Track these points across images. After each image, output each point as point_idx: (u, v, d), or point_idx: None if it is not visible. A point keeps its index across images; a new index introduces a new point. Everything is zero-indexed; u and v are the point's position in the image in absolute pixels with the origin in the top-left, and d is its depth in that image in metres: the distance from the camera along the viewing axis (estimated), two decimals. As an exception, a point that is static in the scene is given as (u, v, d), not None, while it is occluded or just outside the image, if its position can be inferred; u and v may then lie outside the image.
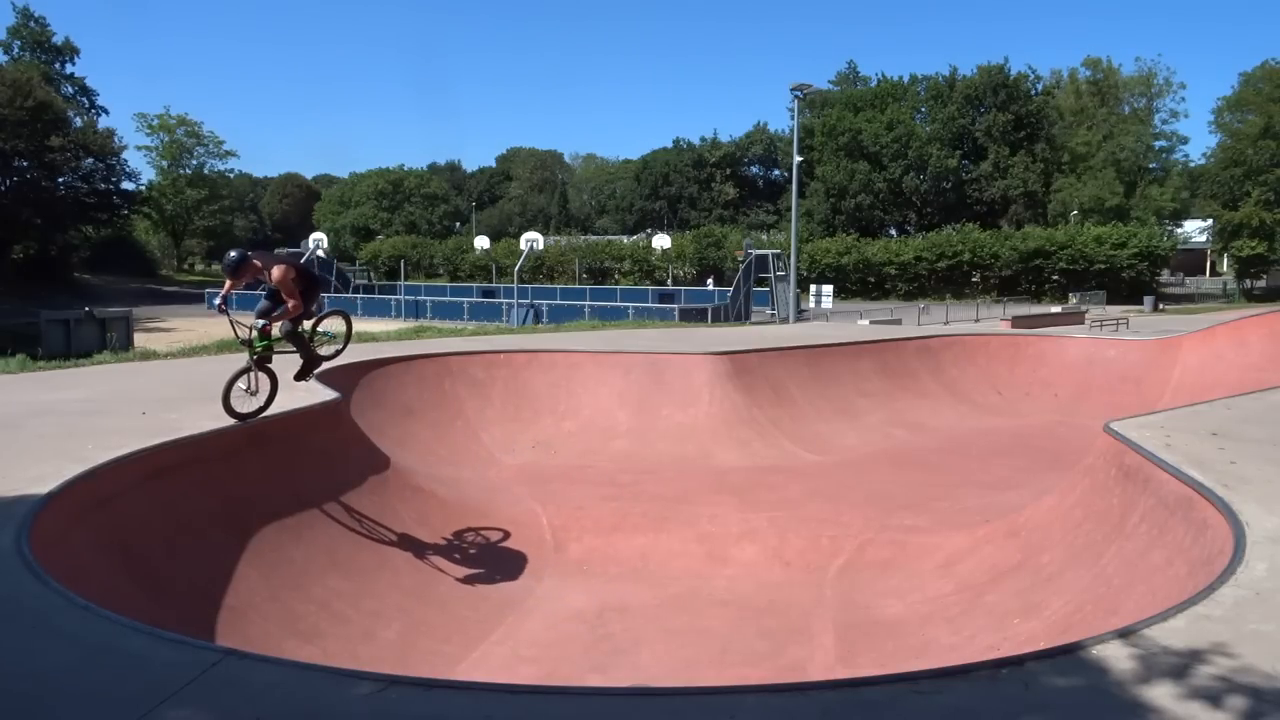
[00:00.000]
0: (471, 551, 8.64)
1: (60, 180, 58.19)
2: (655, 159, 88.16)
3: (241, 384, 7.38)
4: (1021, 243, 54.32)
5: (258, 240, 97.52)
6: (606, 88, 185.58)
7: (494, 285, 58.68)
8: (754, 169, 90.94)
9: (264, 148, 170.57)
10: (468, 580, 8.11)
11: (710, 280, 39.55)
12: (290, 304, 7.22)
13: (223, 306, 7.28)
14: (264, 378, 7.56)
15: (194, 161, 78.32)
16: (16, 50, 65.58)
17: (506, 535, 9.13)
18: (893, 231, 68.03)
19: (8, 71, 55.52)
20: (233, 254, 7.13)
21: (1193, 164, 62.63)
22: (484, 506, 9.82)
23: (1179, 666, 3.33)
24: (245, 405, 7.43)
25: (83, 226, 62.05)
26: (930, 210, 66.07)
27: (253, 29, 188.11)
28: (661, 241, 55.17)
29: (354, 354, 13.86)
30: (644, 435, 12.86)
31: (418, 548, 8.27)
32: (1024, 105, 63.07)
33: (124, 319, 26.19)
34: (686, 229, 73.29)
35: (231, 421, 7.59)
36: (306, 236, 58.72)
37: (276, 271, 7.13)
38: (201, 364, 13.40)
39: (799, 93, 34.97)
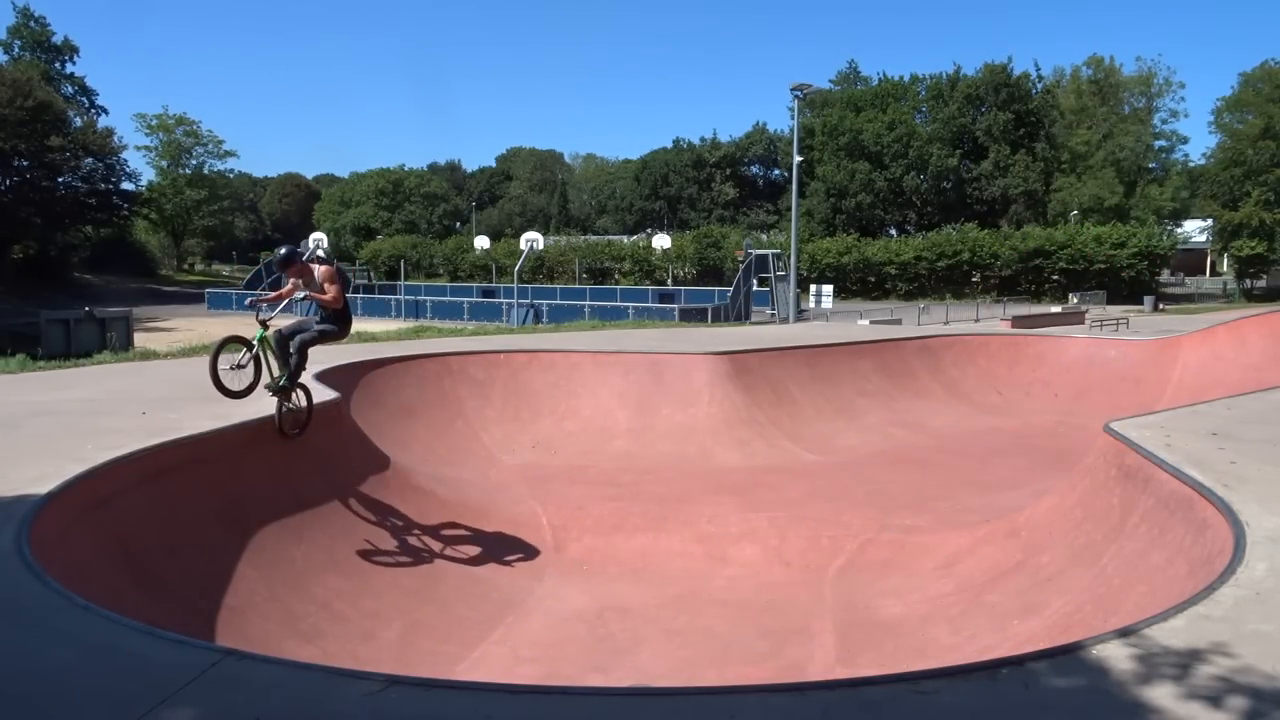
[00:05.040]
0: (471, 551, 8.63)
1: (60, 180, 58.22)
2: (655, 159, 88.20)
3: (231, 358, 7.38)
4: (1021, 242, 54.33)
5: (258, 240, 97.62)
6: (606, 88, 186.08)
7: (494, 285, 58.73)
8: (754, 169, 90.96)
9: (264, 148, 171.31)
10: (468, 580, 8.11)
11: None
12: (331, 294, 7.62)
13: (254, 303, 7.58)
14: (252, 366, 7.50)
15: (193, 161, 78.36)
16: (17, 50, 65.60)
17: (506, 535, 9.13)
18: (893, 231, 68.05)
19: (8, 71, 55.52)
20: (283, 250, 7.73)
21: (1193, 164, 62.74)
22: (484, 506, 9.81)
23: (1179, 666, 3.32)
24: (229, 379, 7.32)
25: (83, 226, 62.06)
26: (930, 210, 66.09)
27: (252, 28, 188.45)
28: (661, 241, 55.20)
29: (354, 354, 13.89)
30: (644, 435, 12.86)
31: (418, 548, 8.27)
32: (1024, 104, 63.08)
33: (124, 319, 26.19)
34: (686, 229, 73.31)
35: (231, 422, 7.63)
36: (306, 236, 58.69)
37: (323, 269, 7.69)
38: (201, 364, 13.33)
39: (799, 93, 34.98)
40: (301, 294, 7.75)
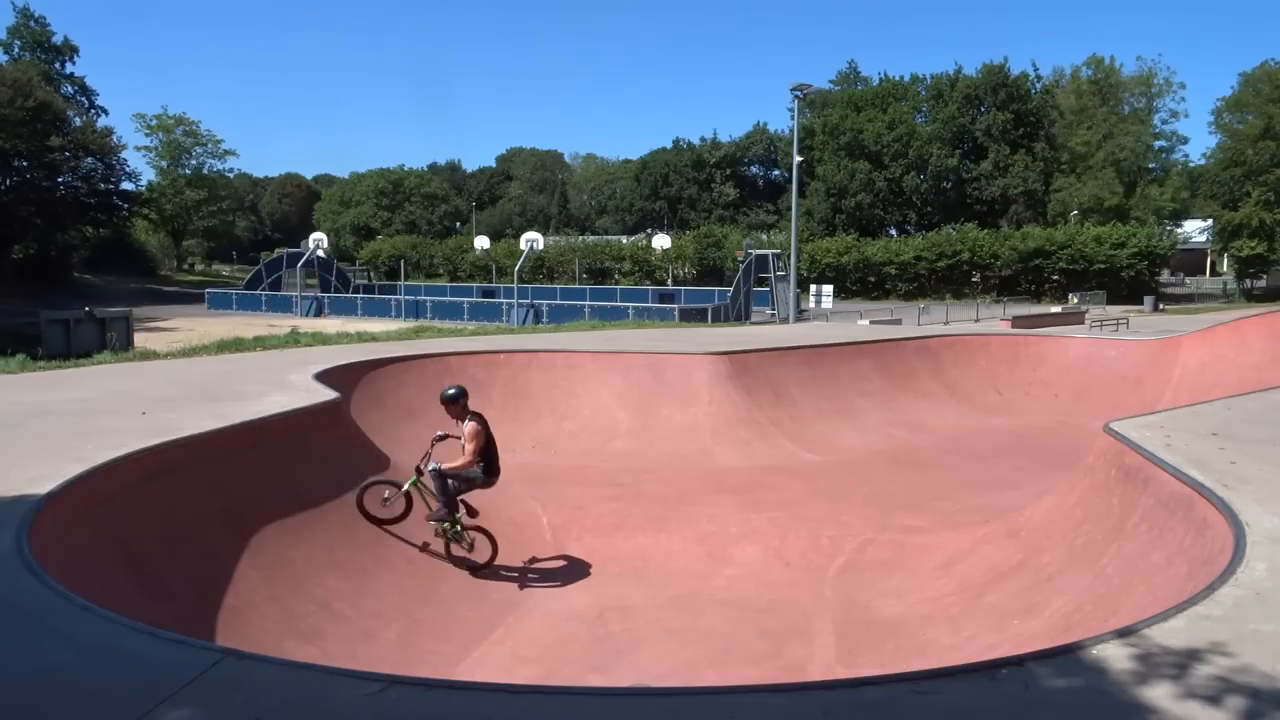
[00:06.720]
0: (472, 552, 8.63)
1: (60, 180, 58.14)
2: (655, 159, 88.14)
3: (382, 492, 8.22)
4: (1021, 242, 54.31)
5: (258, 240, 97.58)
6: (606, 88, 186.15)
7: (494, 285, 58.66)
8: (754, 169, 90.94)
9: (264, 148, 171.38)
10: (468, 580, 8.11)
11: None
12: (466, 458, 8.06)
13: (421, 467, 8.20)
14: (402, 501, 8.27)
15: (193, 161, 78.34)
16: (17, 50, 65.55)
17: (506, 535, 9.12)
18: (893, 231, 68.02)
19: (8, 71, 55.47)
20: (452, 389, 8.24)
21: (1193, 164, 62.79)
22: (484, 506, 9.78)
23: (1178, 666, 3.33)
24: (378, 510, 8.17)
25: (83, 226, 62.01)
26: (930, 210, 66.06)
27: (252, 28, 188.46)
28: (661, 242, 55.15)
29: (354, 354, 13.90)
30: (644, 435, 12.85)
31: (418, 548, 8.26)
32: (1024, 104, 63.07)
33: (124, 319, 26.18)
34: (686, 229, 73.30)
35: (231, 422, 7.65)
36: (306, 236, 58.68)
37: (468, 426, 8.07)
38: (201, 364, 13.40)
39: (799, 93, 35.00)
40: (434, 466, 8.09)
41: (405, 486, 8.23)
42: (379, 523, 8.13)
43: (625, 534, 9.50)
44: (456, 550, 8.26)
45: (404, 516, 8.27)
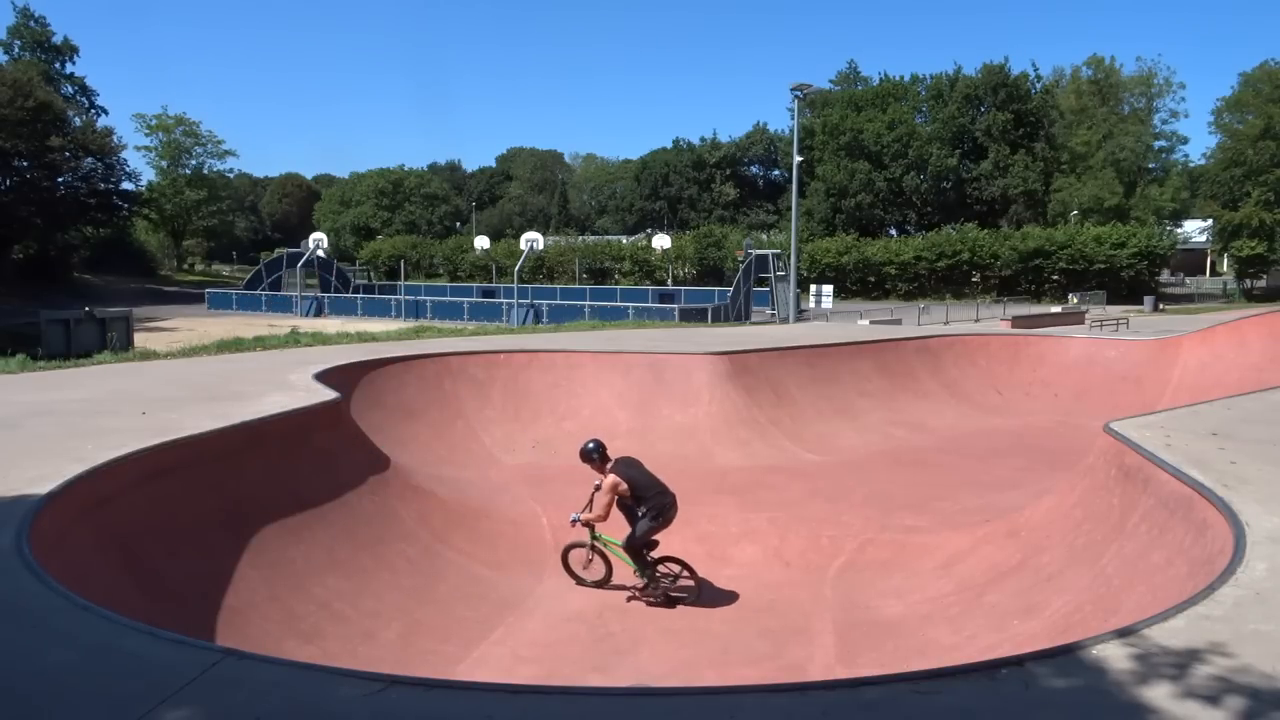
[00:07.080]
0: (471, 551, 8.63)
1: (60, 180, 58.07)
2: (655, 159, 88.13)
3: (582, 555, 8.36)
4: (1021, 242, 54.30)
5: (258, 240, 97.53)
6: (606, 88, 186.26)
7: (494, 285, 58.63)
8: (754, 169, 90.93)
9: (264, 148, 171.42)
10: (468, 580, 8.11)
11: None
12: (595, 512, 8.03)
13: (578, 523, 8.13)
14: (599, 560, 8.31)
15: (193, 161, 78.34)
16: (17, 50, 65.52)
17: (506, 535, 9.12)
18: (893, 231, 68.01)
19: (8, 71, 55.42)
20: (590, 444, 8.20)
21: (1193, 164, 62.80)
22: (484, 506, 9.81)
23: (1178, 666, 3.33)
24: (582, 571, 8.37)
25: (83, 226, 61.97)
26: (930, 210, 66.05)
27: (252, 28, 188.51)
28: (661, 242, 55.11)
29: (354, 354, 13.90)
30: (644, 435, 12.84)
31: (418, 548, 8.26)
32: (1024, 104, 63.05)
33: (124, 319, 26.15)
34: (686, 229, 73.29)
35: (231, 422, 7.65)
36: (306, 236, 58.65)
37: (607, 479, 7.99)
38: (201, 364, 13.40)
39: (799, 93, 35.00)
40: (580, 514, 8.14)
41: (587, 545, 8.27)
42: (585, 584, 8.29)
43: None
44: (668, 588, 8.07)
45: (608, 577, 8.25)
